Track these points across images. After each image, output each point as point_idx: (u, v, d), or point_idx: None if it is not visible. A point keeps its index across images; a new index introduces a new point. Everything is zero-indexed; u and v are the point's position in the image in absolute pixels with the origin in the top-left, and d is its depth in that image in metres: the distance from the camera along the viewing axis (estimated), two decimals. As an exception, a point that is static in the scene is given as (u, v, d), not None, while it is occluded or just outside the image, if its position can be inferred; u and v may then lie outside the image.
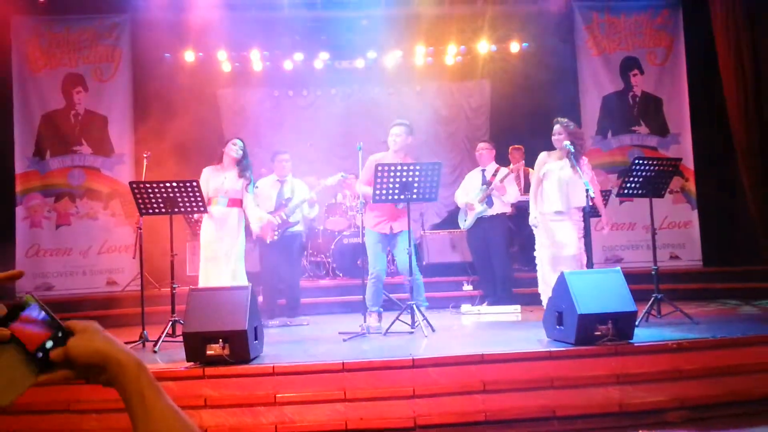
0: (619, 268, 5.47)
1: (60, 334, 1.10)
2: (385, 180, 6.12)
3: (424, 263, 9.28)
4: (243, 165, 6.73)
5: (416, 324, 6.15)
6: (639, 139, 9.65)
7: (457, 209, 8.31)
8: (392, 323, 6.23)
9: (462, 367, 4.85)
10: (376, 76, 11.04)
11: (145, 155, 6.73)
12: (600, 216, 8.70)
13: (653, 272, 6.39)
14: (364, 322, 6.28)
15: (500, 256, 7.93)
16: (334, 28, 10.02)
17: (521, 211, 8.68)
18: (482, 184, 7.90)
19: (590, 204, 6.26)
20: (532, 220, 6.78)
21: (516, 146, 9.26)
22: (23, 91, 9.17)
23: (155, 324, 6.32)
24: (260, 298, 7.15)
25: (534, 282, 6.87)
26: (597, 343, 4.96)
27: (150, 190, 6.03)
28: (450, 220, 10.25)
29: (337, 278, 9.32)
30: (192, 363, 4.93)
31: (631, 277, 5.46)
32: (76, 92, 9.33)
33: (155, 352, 5.71)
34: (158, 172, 6.89)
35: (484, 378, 4.77)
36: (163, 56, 9.96)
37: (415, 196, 6.23)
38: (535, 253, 6.77)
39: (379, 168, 6.11)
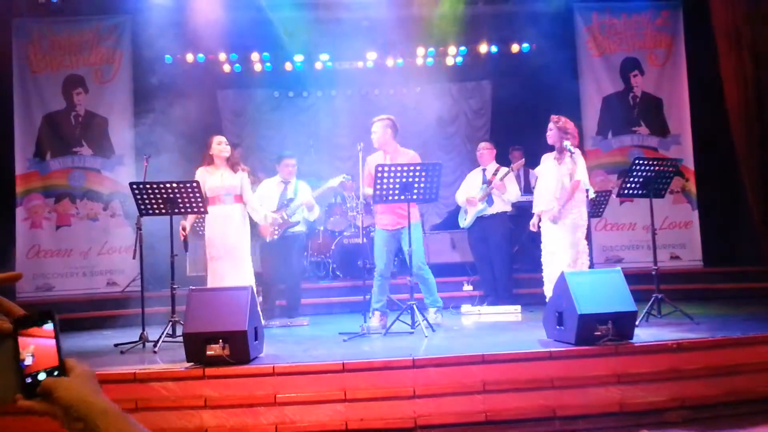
0: (619, 268, 5.47)
1: (56, 373, 1.09)
2: (385, 181, 6.12)
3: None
4: (233, 161, 6.74)
5: (416, 324, 6.15)
6: (639, 140, 9.64)
7: (458, 209, 8.31)
8: (392, 323, 6.23)
9: (462, 368, 4.85)
10: (376, 78, 11.05)
11: (145, 156, 6.73)
12: (599, 216, 8.76)
13: (653, 272, 6.38)
14: (365, 322, 6.28)
15: (501, 257, 7.94)
16: (334, 29, 10.02)
17: (521, 210, 8.69)
18: (483, 183, 7.90)
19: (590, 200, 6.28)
20: (534, 221, 6.79)
21: (516, 147, 9.28)
22: (24, 93, 9.17)
23: (155, 325, 6.32)
24: (260, 299, 7.15)
25: (534, 282, 6.88)
26: (597, 343, 4.96)
27: (150, 191, 6.03)
28: (450, 221, 10.24)
29: (338, 279, 9.32)
30: (192, 363, 4.93)
31: (631, 277, 5.46)
32: (76, 93, 9.33)
33: (155, 352, 5.71)
34: (158, 174, 6.88)
35: (485, 378, 4.77)
36: (164, 58, 9.97)
37: (415, 197, 6.23)
38: (542, 253, 6.75)
39: (380, 169, 6.11)
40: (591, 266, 6.35)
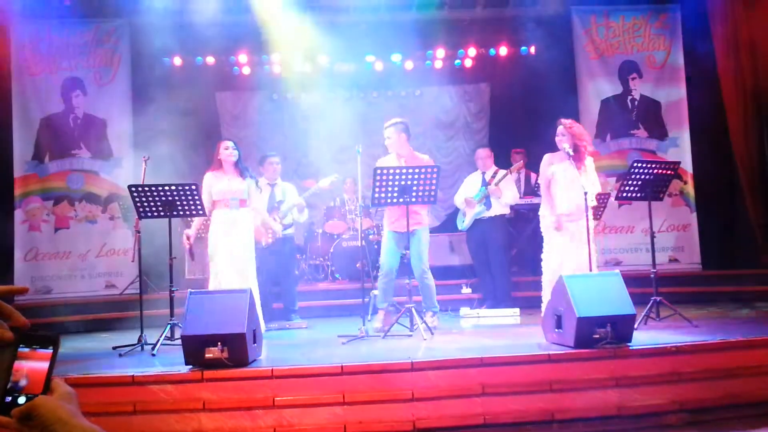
0: (618, 271, 5.47)
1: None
2: (384, 183, 6.12)
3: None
4: (242, 167, 6.74)
5: (415, 327, 6.15)
6: (638, 143, 9.66)
7: (456, 212, 8.32)
8: (391, 326, 6.23)
9: (461, 370, 4.85)
10: (375, 80, 11.05)
11: (144, 159, 6.72)
12: (598, 219, 8.75)
13: (652, 275, 6.39)
14: (363, 325, 6.27)
15: (499, 259, 7.93)
16: (333, 32, 10.02)
17: (520, 214, 8.70)
18: (482, 186, 7.90)
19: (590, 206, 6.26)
20: (547, 224, 6.64)
21: (517, 149, 9.28)
22: (22, 95, 9.17)
23: (154, 327, 6.32)
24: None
25: (532, 285, 6.86)
26: (596, 346, 4.95)
27: (149, 194, 6.02)
28: (449, 224, 10.25)
29: (336, 281, 9.32)
30: (190, 366, 4.92)
31: (630, 280, 5.46)
32: (75, 96, 9.33)
33: (154, 355, 5.70)
34: (157, 176, 6.88)
35: (483, 381, 4.76)
36: (162, 60, 9.97)
37: (413, 200, 6.23)
38: (543, 257, 6.67)
39: (378, 171, 6.11)
40: (589, 269, 6.32)
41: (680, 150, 9.50)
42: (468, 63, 10.94)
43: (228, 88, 11.29)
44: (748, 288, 8.19)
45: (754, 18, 8.71)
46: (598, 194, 7.54)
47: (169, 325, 6.07)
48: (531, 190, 9.11)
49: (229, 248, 6.52)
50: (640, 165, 6.44)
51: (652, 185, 6.44)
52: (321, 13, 10.02)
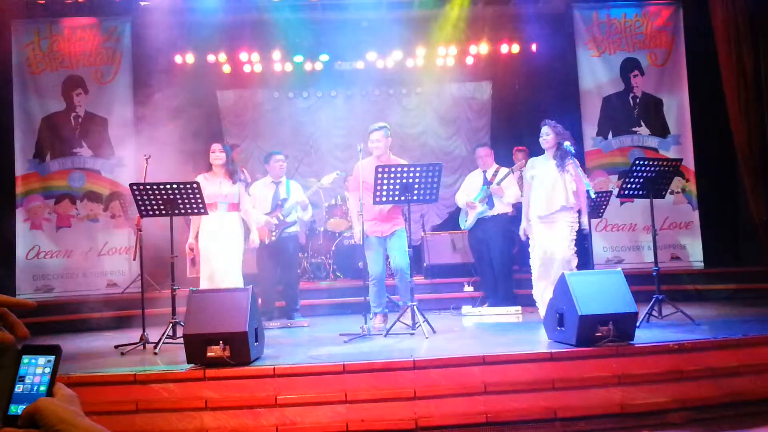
0: (620, 269, 5.46)
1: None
2: (386, 182, 6.12)
3: (425, 264, 9.29)
4: (231, 170, 6.76)
5: (417, 325, 6.15)
6: (639, 140, 9.64)
7: (458, 210, 8.31)
8: (393, 324, 6.23)
9: (463, 369, 4.84)
10: (376, 78, 11.04)
11: (145, 157, 6.72)
12: (599, 217, 8.75)
13: (654, 273, 6.38)
14: (365, 323, 6.27)
15: (501, 258, 7.93)
16: (334, 30, 10.01)
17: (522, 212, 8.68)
18: (483, 185, 7.90)
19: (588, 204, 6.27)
20: (522, 227, 6.82)
21: (520, 147, 9.26)
22: (24, 94, 9.17)
23: (156, 326, 6.32)
24: (258, 300, 7.14)
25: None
26: (598, 344, 4.95)
27: (150, 192, 6.03)
28: (451, 222, 10.25)
29: (338, 279, 9.32)
30: (193, 365, 4.93)
31: (632, 277, 5.45)
32: (76, 94, 9.33)
33: (156, 353, 5.71)
34: (158, 174, 6.88)
35: (486, 379, 4.76)
36: (164, 58, 9.95)
37: (415, 198, 6.23)
38: (531, 258, 6.79)
39: (380, 170, 6.11)
40: (591, 267, 6.32)
41: (682, 147, 9.49)
42: (469, 61, 10.92)
43: (229, 86, 11.28)
44: (750, 285, 8.18)
45: (756, 15, 8.70)
46: (599, 191, 7.55)
47: (171, 324, 6.07)
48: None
49: (217, 251, 6.58)
50: (641, 162, 6.43)
51: (654, 183, 6.43)
52: (322, 11, 10.01)
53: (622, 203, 9.23)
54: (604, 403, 4.75)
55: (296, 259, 8.22)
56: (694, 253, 9.38)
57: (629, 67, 9.69)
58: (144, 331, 6.13)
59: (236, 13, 9.66)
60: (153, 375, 4.84)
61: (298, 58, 10.61)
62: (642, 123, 9.65)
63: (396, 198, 6.22)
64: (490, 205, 7.82)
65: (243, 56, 10.49)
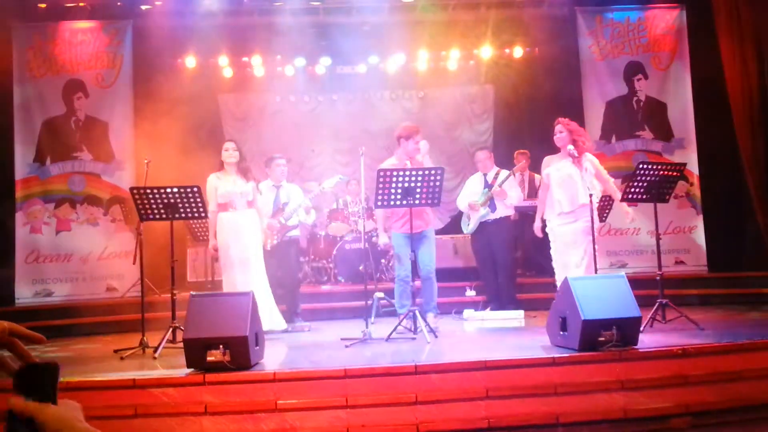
0: (623, 273, 5.43)
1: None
2: (387, 185, 6.09)
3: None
4: (244, 167, 6.77)
5: (419, 330, 6.11)
6: (643, 144, 9.61)
7: (460, 214, 8.27)
8: (394, 329, 6.19)
9: (465, 374, 4.81)
10: (378, 82, 11.04)
11: (145, 161, 6.70)
12: (603, 221, 8.71)
13: (658, 277, 6.34)
14: (366, 327, 6.23)
15: (504, 261, 7.89)
16: (335, 34, 10.00)
17: (524, 216, 8.64)
18: (484, 188, 7.86)
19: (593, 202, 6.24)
20: (537, 225, 6.76)
21: (521, 150, 9.24)
22: (24, 97, 9.16)
23: (155, 330, 6.29)
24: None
25: (537, 287, 6.85)
26: (601, 349, 4.91)
27: (151, 196, 6.01)
28: (453, 226, 10.22)
29: (339, 284, 9.29)
30: (192, 369, 4.90)
31: (635, 282, 5.43)
32: (76, 98, 9.31)
33: (155, 358, 5.68)
34: (159, 178, 6.86)
35: (488, 384, 4.73)
36: (165, 62, 9.95)
37: (417, 202, 6.20)
38: (553, 258, 6.70)
39: (381, 173, 6.08)
40: (595, 271, 6.28)
41: (686, 151, 9.45)
42: (472, 64, 10.91)
43: (231, 90, 11.28)
44: (754, 290, 8.13)
45: (760, 18, 8.67)
46: (602, 195, 7.51)
47: (170, 328, 6.04)
48: (535, 191, 9.05)
49: (240, 250, 6.57)
50: (645, 167, 6.39)
51: (658, 187, 6.40)
52: (324, 15, 10.00)
53: (626, 207, 9.19)
54: (606, 408, 4.70)
55: (297, 263, 8.18)
56: (698, 257, 9.33)
57: (633, 70, 9.67)
58: (143, 335, 6.10)
59: (237, 16, 9.67)
60: (152, 380, 4.82)
61: (300, 62, 10.61)
62: (646, 127, 9.62)
63: (398, 202, 6.18)
64: (493, 208, 7.78)
65: (244, 60, 10.49)
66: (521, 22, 10.16)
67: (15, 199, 8.99)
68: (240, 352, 4.85)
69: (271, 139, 11.07)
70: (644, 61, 9.64)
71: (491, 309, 7.80)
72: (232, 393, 4.73)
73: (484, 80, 11.40)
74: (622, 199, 6.64)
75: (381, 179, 6.07)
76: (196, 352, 4.87)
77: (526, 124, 10.28)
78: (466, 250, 8.87)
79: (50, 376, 1.10)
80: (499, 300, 7.86)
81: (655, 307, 6.23)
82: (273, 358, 5.46)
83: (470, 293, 8.53)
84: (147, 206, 6.05)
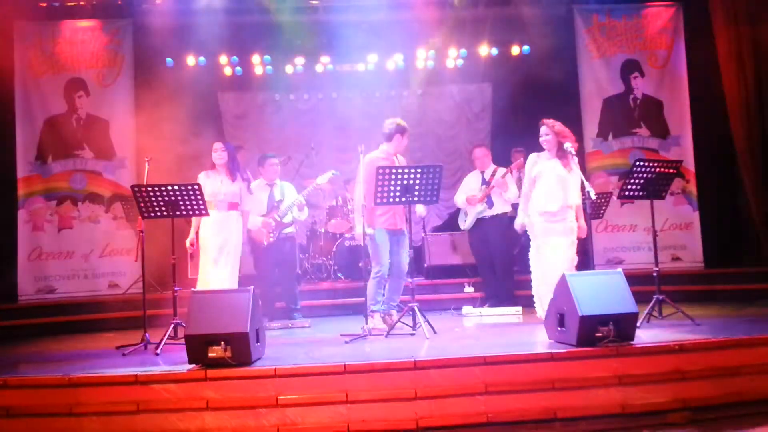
0: (620, 269, 5.46)
1: None
2: (386, 183, 6.13)
3: (425, 265, 9.30)
4: (232, 168, 6.77)
5: (418, 326, 6.16)
6: (640, 141, 9.66)
7: (458, 211, 8.32)
8: (393, 325, 6.23)
9: (464, 369, 4.84)
10: (377, 80, 11.05)
11: (146, 159, 6.74)
12: (600, 218, 8.76)
13: (654, 273, 6.38)
14: (366, 324, 6.28)
15: (502, 258, 7.94)
16: (335, 32, 10.03)
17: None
18: (482, 185, 7.91)
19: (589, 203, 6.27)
20: (519, 221, 6.80)
21: (518, 148, 9.27)
22: (25, 96, 9.20)
23: (157, 327, 6.33)
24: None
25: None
26: (598, 345, 4.95)
27: (152, 194, 6.04)
28: (451, 223, 10.25)
29: (339, 280, 9.33)
30: (194, 365, 4.93)
31: (632, 278, 5.44)
32: (78, 96, 9.35)
33: (157, 354, 5.72)
34: (160, 176, 6.90)
35: (486, 380, 4.77)
36: (165, 60, 9.98)
37: (416, 199, 6.24)
38: (530, 256, 6.76)
39: (380, 171, 6.12)
40: (592, 268, 6.32)
41: (682, 149, 9.50)
42: (470, 62, 10.94)
43: (230, 89, 11.29)
44: (750, 286, 8.17)
45: (756, 16, 8.71)
46: (599, 192, 7.56)
47: (172, 325, 6.09)
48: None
49: (217, 249, 6.63)
50: (642, 164, 6.44)
51: (654, 184, 6.44)
52: (323, 13, 10.02)
53: (622, 204, 9.25)
54: (604, 403, 4.75)
55: (294, 260, 8.22)
56: (695, 253, 9.39)
57: (630, 68, 9.71)
58: (145, 331, 6.14)
59: (238, 15, 9.68)
60: (154, 375, 4.85)
61: (299, 60, 10.62)
62: (642, 124, 9.67)
63: (397, 199, 6.23)
64: (490, 204, 7.83)
65: (244, 59, 10.51)
66: (519, 21, 10.18)
67: (17, 197, 9.04)
68: (241, 348, 4.89)
69: (270, 138, 11.10)
70: (641, 59, 9.69)
71: (489, 305, 7.85)
72: (233, 389, 4.77)
73: (481, 78, 11.42)
74: (619, 196, 6.69)
75: (380, 176, 6.11)
76: (197, 348, 4.91)
77: (524, 122, 10.27)
78: (463, 246, 8.92)
79: None
80: (497, 296, 7.91)
81: (651, 303, 6.28)
82: (274, 354, 5.49)
83: (468, 289, 8.58)
84: (148, 204, 6.09)
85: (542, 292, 6.47)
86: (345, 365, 4.81)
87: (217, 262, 6.64)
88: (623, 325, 5.01)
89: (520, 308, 7.60)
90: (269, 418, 4.64)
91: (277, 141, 10.89)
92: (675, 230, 9.38)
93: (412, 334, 6.13)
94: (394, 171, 6.15)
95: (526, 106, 10.18)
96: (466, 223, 8.02)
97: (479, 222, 7.91)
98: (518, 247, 8.94)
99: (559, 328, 5.27)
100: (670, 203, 9.15)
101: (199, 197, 6.10)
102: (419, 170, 6.18)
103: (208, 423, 4.64)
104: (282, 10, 9.58)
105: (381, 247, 6.71)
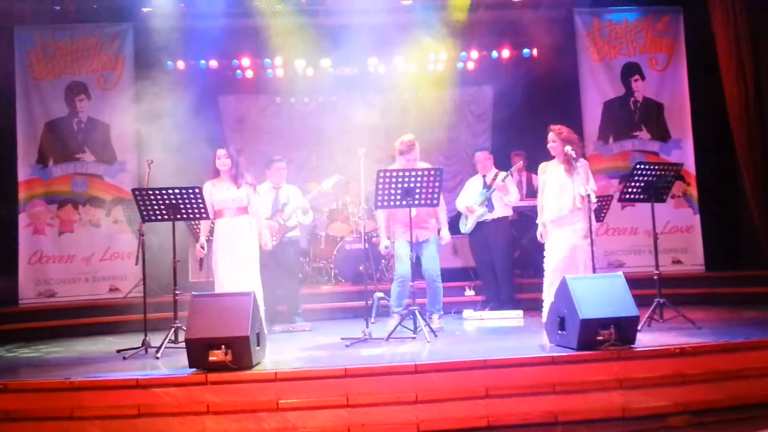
0: (621, 272, 5.47)
1: None
2: (387, 186, 6.14)
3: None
4: (235, 174, 6.74)
5: (419, 330, 6.16)
6: (640, 144, 9.65)
7: (459, 214, 8.32)
8: (395, 328, 6.23)
9: (464, 373, 4.85)
10: (377, 83, 11.06)
11: (148, 162, 6.75)
12: (601, 221, 8.75)
13: (655, 277, 6.38)
14: (367, 327, 6.28)
15: (502, 261, 7.94)
16: (335, 35, 10.04)
17: (523, 216, 8.69)
18: (483, 188, 7.91)
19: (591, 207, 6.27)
20: (540, 231, 6.76)
21: (518, 152, 9.28)
22: (26, 99, 9.20)
23: (158, 330, 6.34)
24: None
25: (536, 287, 6.87)
26: (599, 348, 4.96)
27: (153, 197, 6.05)
28: (452, 226, 10.21)
29: (339, 284, 9.33)
30: (195, 369, 4.94)
31: (633, 281, 5.45)
32: (78, 100, 9.36)
33: (158, 358, 5.73)
34: (161, 179, 6.91)
35: (487, 383, 4.77)
36: (166, 64, 9.99)
37: (416, 202, 6.25)
38: (545, 258, 6.75)
39: (381, 174, 6.13)
40: (593, 271, 6.31)
41: (683, 152, 9.49)
42: (470, 65, 10.96)
43: (231, 92, 11.31)
44: (751, 289, 8.17)
45: (757, 20, 8.71)
46: (600, 195, 7.56)
47: (173, 328, 6.09)
48: (532, 191, 9.09)
49: (231, 256, 6.61)
50: (642, 167, 6.44)
51: (655, 187, 6.45)
52: (323, 17, 10.03)
53: (623, 207, 9.25)
54: (605, 407, 4.75)
55: (297, 264, 8.23)
56: (695, 256, 9.37)
57: (630, 71, 9.71)
58: (146, 335, 6.15)
59: (238, 18, 9.69)
60: (155, 379, 4.86)
61: (300, 64, 10.63)
62: (643, 127, 9.66)
63: (397, 202, 6.23)
64: (490, 208, 7.83)
65: (245, 62, 10.54)
66: (519, 23, 10.19)
67: (18, 200, 9.04)
68: (242, 352, 4.90)
69: (271, 141, 11.11)
70: (641, 62, 9.68)
71: (490, 309, 7.85)
72: (234, 393, 4.78)
73: (482, 81, 11.43)
74: (620, 199, 6.68)
75: (381, 180, 6.12)
76: (198, 352, 4.91)
77: (525, 126, 10.29)
78: (464, 250, 8.92)
79: None
80: (498, 300, 7.91)
81: (652, 307, 6.28)
82: (274, 358, 5.50)
83: (469, 293, 8.59)
84: (149, 207, 6.09)
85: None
86: (346, 369, 4.82)
87: (232, 268, 6.61)
88: (624, 329, 5.01)
89: (521, 312, 7.60)
90: (270, 422, 4.65)
91: (278, 144, 10.89)
92: (676, 233, 9.37)
93: (413, 338, 6.12)
94: (394, 174, 6.15)
95: (526, 109, 10.18)
96: (466, 226, 8.02)
97: (480, 225, 7.91)
98: (519, 251, 8.95)
99: (559, 332, 5.27)
100: (671, 206, 9.15)
101: (200, 200, 6.10)
102: (419, 173, 6.19)
103: (208, 427, 4.64)
104: (283, 13, 9.58)
105: (398, 257, 6.98)
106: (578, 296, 5.07)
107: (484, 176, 8.04)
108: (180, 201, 6.07)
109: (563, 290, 5.26)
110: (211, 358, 4.86)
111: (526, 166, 8.95)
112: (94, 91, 9.40)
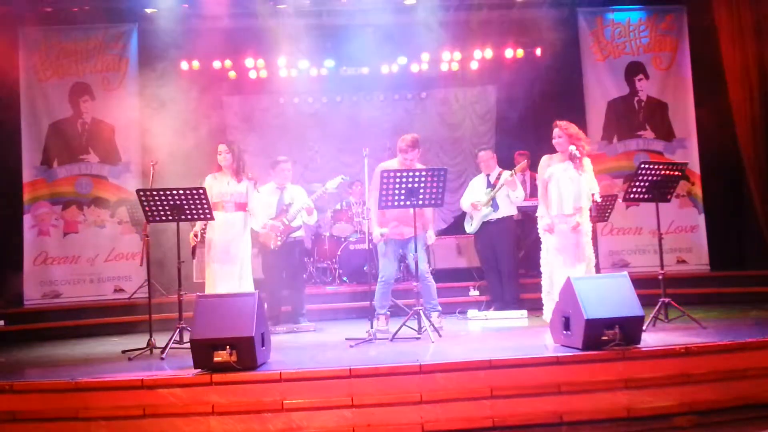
0: (626, 272, 5.45)
1: None
2: (391, 186, 6.13)
3: (431, 269, 9.28)
4: (237, 168, 6.80)
5: (423, 330, 6.16)
6: (645, 144, 9.64)
7: (463, 214, 8.32)
8: (399, 329, 6.23)
9: (469, 373, 4.85)
10: (381, 83, 11.06)
11: (152, 163, 6.76)
12: (605, 221, 8.74)
13: (660, 277, 6.37)
14: (371, 327, 6.28)
15: (507, 261, 7.93)
16: (339, 36, 10.04)
17: (527, 216, 8.68)
18: (487, 188, 7.90)
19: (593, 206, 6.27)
20: (542, 225, 6.77)
21: (522, 151, 9.28)
22: (31, 100, 9.23)
23: (163, 331, 6.35)
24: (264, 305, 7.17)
25: (541, 287, 6.86)
26: (604, 348, 4.95)
27: (157, 198, 6.06)
28: (456, 226, 10.26)
29: (344, 284, 9.34)
30: (199, 370, 4.95)
31: (638, 281, 5.44)
32: (83, 101, 9.37)
33: (163, 359, 5.74)
34: (165, 180, 6.92)
35: (492, 383, 4.77)
36: (170, 65, 9.99)
37: (420, 202, 6.24)
38: (541, 258, 6.77)
39: (385, 174, 6.13)
40: (597, 271, 6.31)
41: (687, 151, 9.48)
42: (474, 65, 10.95)
43: (235, 92, 11.32)
44: (756, 289, 8.15)
45: (761, 18, 8.69)
46: (604, 195, 7.55)
47: (178, 329, 6.10)
48: (536, 191, 9.09)
49: (224, 251, 6.64)
50: (647, 166, 6.43)
51: (660, 186, 6.43)
52: (327, 17, 10.04)
53: (627, 207, 9.24)
54: (610, 407, 4.74)
55: (302, 264, 8.24)
56: (700, 256, 9.36)
57: (634, 71, 9.70)
58: (151, 336, 6.17)
59: (241, 19, 9.70)
60: (160, 380, 4.87)
61: (304, 64, 10.64)
62: (647, 127, 9.65)
63: (401, 202, 6.23)
64: (495, 207, 7.82)
65: (248, 62, 10.54)
66: (523, 23, 10.18)
67: (23, 201, 9.06)
68: (246, 353, 4.90)
69: (275, 141, 11.12)
70: (645, 61, 9.67)
71: (495, 309, 7.84)
72: (238, 393, 4.78)
73: (486, 81, 11.43)
74: (624, 199, 6.66)
75: (385, 180, 6.11)
76: (202, 352, 4.92)
77: (529, 125, 10.31)
78: (469, 250, 8.92)
79: None
80: (503, 300, 7.90)
81: (657, 306, 6.27)
82: (279, 358, 5.50)
83: (474, 293, 8.58)
84: (153, 208, 6.10)
85: (554, 294, 6.44)
86: (350, 369, 4.82)
87: (224, 263, 6.65)
88: (629, 329, 5.01)
89: (525, 312, 7.59)
90: (275, 423, 4.65)
91: (281, 144, 10.90)
92: (680, 233, 9.36)
93: (418, 338, 6.13)
94: (398, 174, 6.15)
95: (530, 108, 10.18)
96: (471, 226, 8.01)
97: (485, 225, 7.90)
98: (524, 251, 8.95)
99: (564, 332, 5.27)
100: (676, 206, 9.13)
101: (204, 201, 6.11)
102: (423, 173, 6.19)
103: (213, 427, 4.64)
104: (286, 13, 9.58)
105: (382, 256, 6.92)
106: (583, 296, 5.06)
107: (487, 176, 8.03)
108: (184, 202, 6.07)
109: (568, 290, 5.25)
110: (215, 359, 4.86)
111: (530, 166, 8.93)
112: (98, 92, 9.42)
